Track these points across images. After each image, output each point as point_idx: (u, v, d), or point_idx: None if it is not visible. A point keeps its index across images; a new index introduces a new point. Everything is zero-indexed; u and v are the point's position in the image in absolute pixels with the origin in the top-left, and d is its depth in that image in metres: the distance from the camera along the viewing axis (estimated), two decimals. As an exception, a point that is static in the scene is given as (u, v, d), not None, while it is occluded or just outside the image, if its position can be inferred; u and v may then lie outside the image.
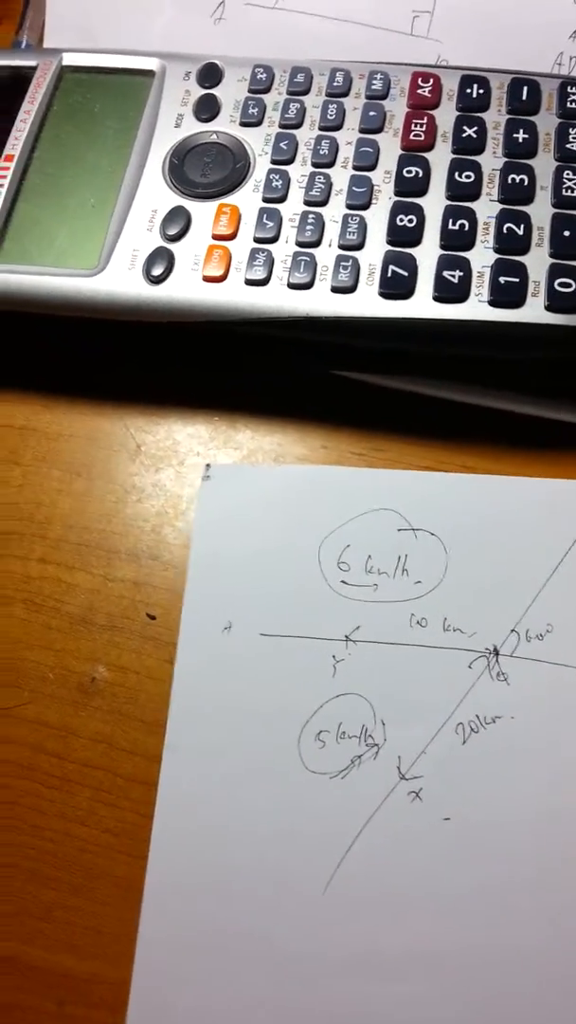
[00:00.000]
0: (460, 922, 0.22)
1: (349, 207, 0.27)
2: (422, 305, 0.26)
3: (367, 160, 0.28)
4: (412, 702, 0.24)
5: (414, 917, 0.22)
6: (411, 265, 0.26)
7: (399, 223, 0.27)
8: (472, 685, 0.24)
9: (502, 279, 0.26)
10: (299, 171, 0.28)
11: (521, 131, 0.28)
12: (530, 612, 0.25)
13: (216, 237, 0.27)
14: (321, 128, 0.28)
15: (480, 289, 0.26)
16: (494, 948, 0.22)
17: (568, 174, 0.27)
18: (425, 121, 0.28)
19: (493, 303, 0.26)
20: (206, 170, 0.28)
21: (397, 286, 0.26)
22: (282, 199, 0.27)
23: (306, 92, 0.29)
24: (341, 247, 0.27)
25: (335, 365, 0.28)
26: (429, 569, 0.25)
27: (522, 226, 0.26)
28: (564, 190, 0.27)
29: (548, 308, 0.26)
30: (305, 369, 0.28)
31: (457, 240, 0.26)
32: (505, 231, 0.26)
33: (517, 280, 0.26)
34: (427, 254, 0.26)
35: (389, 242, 0.27)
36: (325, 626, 0.25)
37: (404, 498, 0.26)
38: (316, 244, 0.27)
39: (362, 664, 0.24)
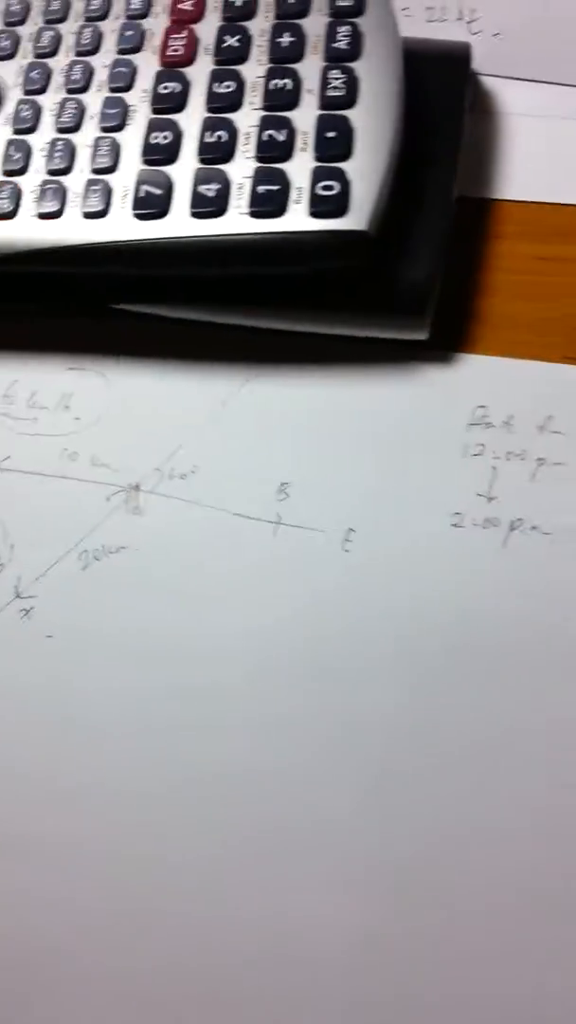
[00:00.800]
0: (48, 736, 0.23)
1: (103, 130, 0.25)
2: (178, 223, 0.24)
3: (122, 81, 0.26)
4: (45, 529, 0.25)
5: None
6: (165, 183, 0.24)
7: (153, 141, 0.25)
8: (106, 517, 0.25)
9: (261, 188, 0.24)
10: (52, 99, 0.26)
11: (287, 35, 0.26)
12: (178, 453, 0.25)
13: (-37, 174, 0.26)
14: (77, 54, 0.27)
15: (239, 201, 0.24)
16: (85, 766, 0.23)
17: (335, 73, 0.25)
18: (185, 35, 0.26)
19: (253, 214, 0.24)
20: (-45, 108, 0.27)
21: (150, 205, 0.24)
22: (31, 130, 0.26)
23: (63, 19, 0.27)
24: (93, 171, 0.25)
25: (113, 298, 0.26)
26: (91, 408, 0.26)
27: (284, 132, 0.25)
28: (329, 90, 0.25)
29: (312, 214, 0.24)
30: (81, 305, 0.27)
31: (215, 152, 0.25)
32: (266, 139, 0.25)
33: (278, 188, 0.24)
34: (184, 170, 0.25)
35: (144, 162, 0.25)
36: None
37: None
38: (66, 171, 0.25)
39: (3, 491, 0.25)
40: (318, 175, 0.24)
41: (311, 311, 0.26)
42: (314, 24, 0.26)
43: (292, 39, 0.26)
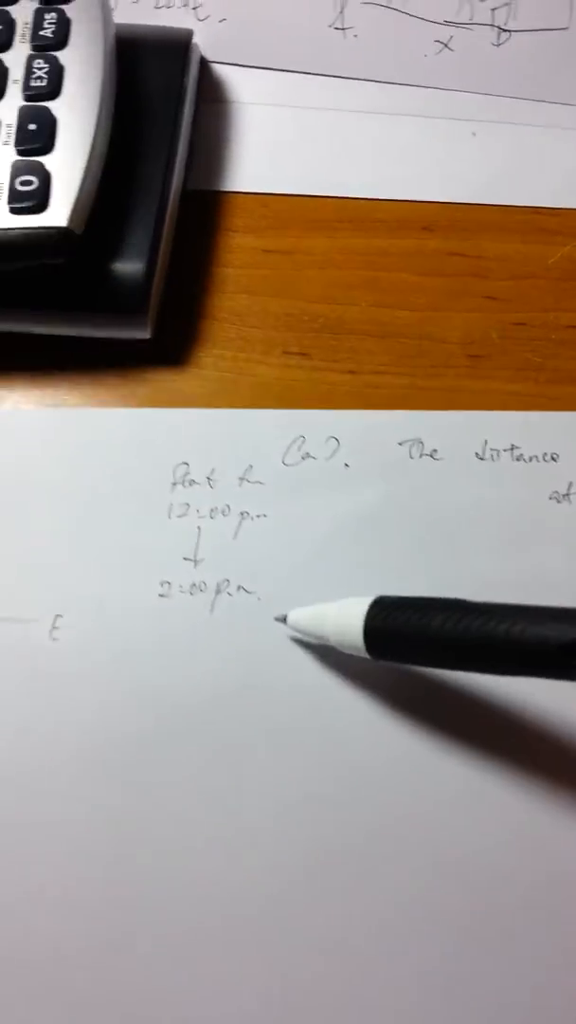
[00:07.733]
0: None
1: None
2: None
3: None
4: None
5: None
6: None
7: None
8: None
9: (-43, 185, 0.23)
10: None
11: (-6, 23, 0.25)
12: None
13: None
14: None
15: None
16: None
17: (39, 63, 0.24)
18: None
19: (-51, 212, 0.23)
20: None
21: None
22: None
23: None
24: None
25: None
26: None
27: (-14, 124, 0.24)
28: (33, 81, 0.24)
29: (12, 211, 0.23)
30: None
31: None
32: (-34, 132, 0.24)
33: (-26, 184, 0.23)
34: None
35: None
36: None
37: None
38: None
39: None
40: (18, 169, 0.23)
41: (29, 311, 0.25)
42: (23, 10, 0.25)
43: (0, 27, 0.25)
